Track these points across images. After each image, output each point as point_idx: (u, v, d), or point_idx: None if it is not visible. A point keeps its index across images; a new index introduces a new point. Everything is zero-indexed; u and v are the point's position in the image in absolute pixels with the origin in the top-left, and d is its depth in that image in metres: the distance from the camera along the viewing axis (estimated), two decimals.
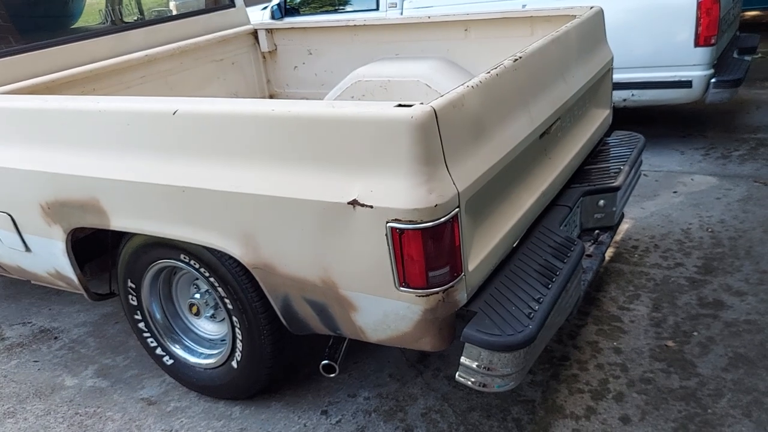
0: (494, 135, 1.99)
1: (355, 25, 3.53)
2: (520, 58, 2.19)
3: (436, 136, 1.71)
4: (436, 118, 1.69)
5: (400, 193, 1.70)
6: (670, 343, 2.55)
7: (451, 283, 1.81)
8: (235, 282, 2.17)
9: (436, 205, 1.69)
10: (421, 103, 1.70)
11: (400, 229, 1.72)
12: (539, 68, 2.32)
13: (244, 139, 1.89)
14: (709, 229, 3.41)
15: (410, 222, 1.70)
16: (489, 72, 2.02)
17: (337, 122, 1.76)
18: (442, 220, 1.71)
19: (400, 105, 1.70)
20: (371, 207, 1.73)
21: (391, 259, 1.78)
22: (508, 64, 2.12)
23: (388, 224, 1.72)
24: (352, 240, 1.81)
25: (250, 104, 1.91)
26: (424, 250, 1.73)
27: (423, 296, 1.80)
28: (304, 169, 1.83)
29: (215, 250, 2.11)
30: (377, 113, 1.70)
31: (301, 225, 1.87)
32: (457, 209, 1.75)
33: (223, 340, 2.50)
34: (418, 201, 1.68)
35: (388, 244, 1.75)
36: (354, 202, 1.75)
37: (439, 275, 1.79)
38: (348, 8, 5.30)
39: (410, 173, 1.70)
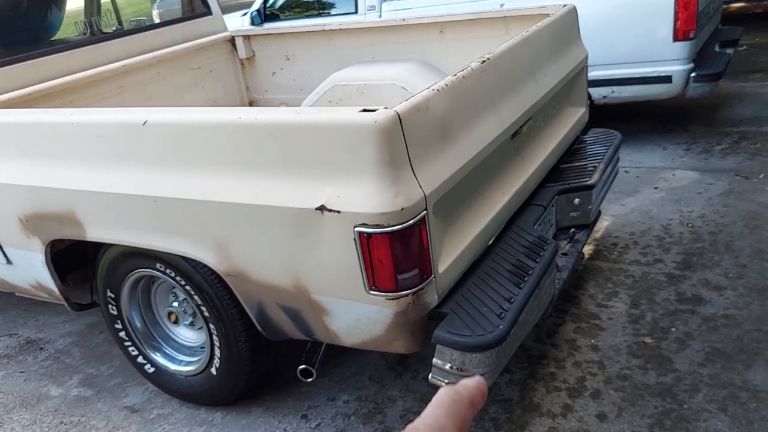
0: (462, 137, 2.01)
1: (331, 30, 3.54)
2: (488, 59, 2.20)
3: (401, 140, 1.72)
4: (401, 122, 1.70)
5: (367, 197, 1.71)
6: (647, 340, 2.56)
7: (420, 286, 1.82)
8: (211, 290, 2.18)
9: (403, 209, 1.70)
10: (386, 108, 1.72)
11: (367, 233, 1.73)
12: (509, 69, 2.34)
13: (213, 147, 1.91)
14: (690, 225, 3.42)
15: (377, 226, 1.71)
16: (455, 75, 2.03)
17: (303, 129, 1.77)
18: (410, 223, 1.73)
19: (364, 110, 1.72)
20: (339, 212, 1.74)
21: (360, 263, 1.79)
22: (475, 66, 2.13)
23: (356, 228, 1.73)
24: (322, 245, 1.82)
25: (218, 113, 1.92)
26: (393, 254, 1.75)
27: (393, 299, 1.81)
28: (273, 176, 1.84)
29: (189, 258, 2.12)
30: (342, 119, 1.72)
31: (272, 232, 1.88)
32: (424, 212, 1.76)
33: (203, 347, 2.51)
34: (385, 205, 1.70)
35: (357, 249, 1.76)
36: (322, 208, 1.77)
37: (409, 278, 1.80)
38: (328, 12, 5.31)
39: (376, 178, 1.71)
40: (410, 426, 0.45)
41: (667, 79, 4.31)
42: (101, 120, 2.11)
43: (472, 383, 0.49)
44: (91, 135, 2.13)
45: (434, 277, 1.86)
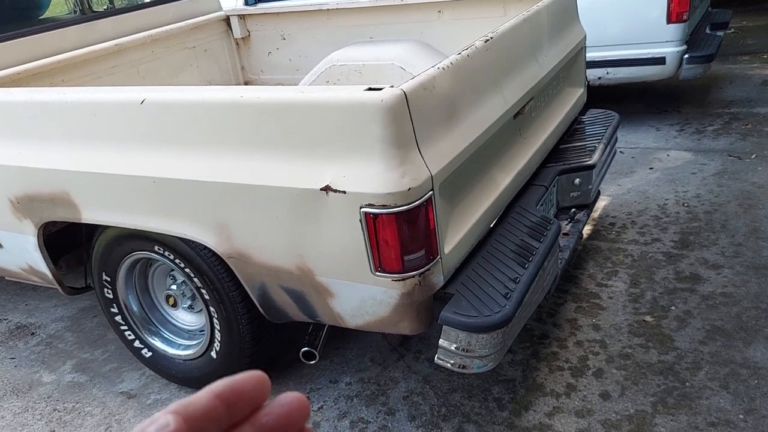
0: (467, 116, 1.98)
1: (328, 9, 3.48)
2: (492, 38, 2.17)
3: (407, 119, 1.69)
4: (407, 101, 1.68)
5: (373, 177, 1.69)
6: (648, 318, 2.57)
7: (427, 267, 1.81)
8: (211, 272, 2.15)
9: (410, 189, 1.68)
10: (391, 87, 1.69)
11: (374, 213, 1.71)
12: (511, 48, 2.31)
13: (214, 127, 1.87)
14: (685, 204, 3.44)
15: (384, 206, 1.69)
16: (460, 53, 2.00)
17: (308, 108, 1.73)
18: (416, 203, 1.71)
19: (370, 89, 1.68)
20: (344, 192, 1.72)
21: (366, 244, 1.77)
22: (479, 45, 2.10)
23: (362, 209, 1.71)
24: (327, 226, 1.79)
25: (219, 92, 1.88)
26: (399, 235, 1.73)
27: (399, 280, 1.79)
28: (276, 156, 1.80)
29: (189, 240, 2.09)
30: (347, 98, 1.69)
31: (275, 212, 1.85)
32: (430, 192, 1.74)
33: (202, 330, 2.48)
34: (391, 185, 1.67)
35: (363, 229, 1.74)
36: (327, 188, 1.74)
37: (415, 259, 1.78)
38: None
39: (382, 157, 1.68)
40: None
41: (661, 60, 4.32)
42: (97, 99, 2.06)
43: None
44: (87, 114, 2.08)
45: (440, 257, 1.84)
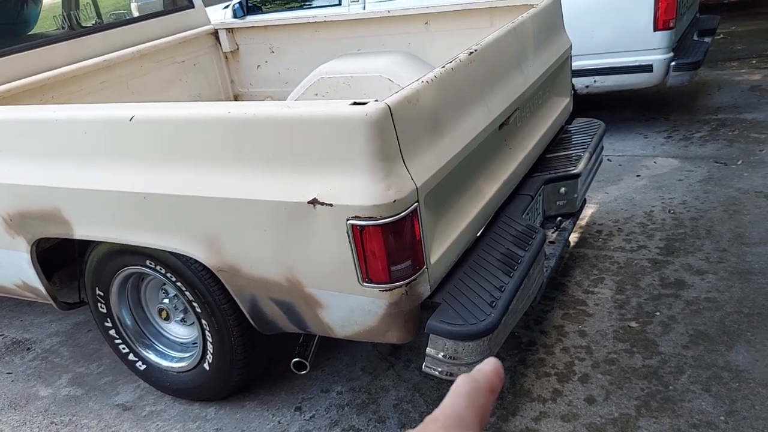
0: (451, 128, 2.02)
1: (315, 22, 3.53)
2: (476, 51, 2.22)
3: (392, 133, 1.73)
4: (391, 114, 1.71)
5: (359, 190, 1.73)
6: (633, 324, 2.61)
7: (413, 277, 1.84)
8: (202, 285, 2.18)
9: (395, 201, 1.72)
10: (376, 100, 1.72)
11: (360, 225, 1.74)
12: (495, 60, 2.36)
13: (202, 142, 1.90)
14: (671, 211, 3.48)
15: (370, 218, 1.72)
16: (444, 66, 2.05)
17: (294, 122, 1.77)
18: (402, 215, 1.74)
19: (355, 103, 1.72)
20: (331, 205, 1.75)
21: (353, 256, 1.80)
22: (463, 58, 2.14)
23: (349, 221, 1.74)
24: (315, 238, 1.83)
25: (206, 107, 1.91)
26: (385, 246, 1.76)
27: (386, 291, 1.82)
28: (264, 170, 1.84)
29: (180, 254, 2.12)
30: (332, 112, 1.72)
31: (264, 226, 1.88)
32: (416, 204, 1.78)
33: (195, 343, 2.50)
34: (377, 197, 1.71)
35: (350, 241, 1.78)
36: (314, 201, 1.77)
37: (402, 269, 1.82)
38: (310, 4, 5.28)
39: (368, 170, 1.72)
40: (429, 417, 0.44)
41: (648, 68, 4.37)
42: (86, 116, 2.09)
43: (488, 368, 0.48)
44: (77, 132, 2.11)
45: (426, 267, 1.88)
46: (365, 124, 1.68)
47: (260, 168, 1.84)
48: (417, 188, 1.77)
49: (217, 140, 1.88)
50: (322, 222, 1.79)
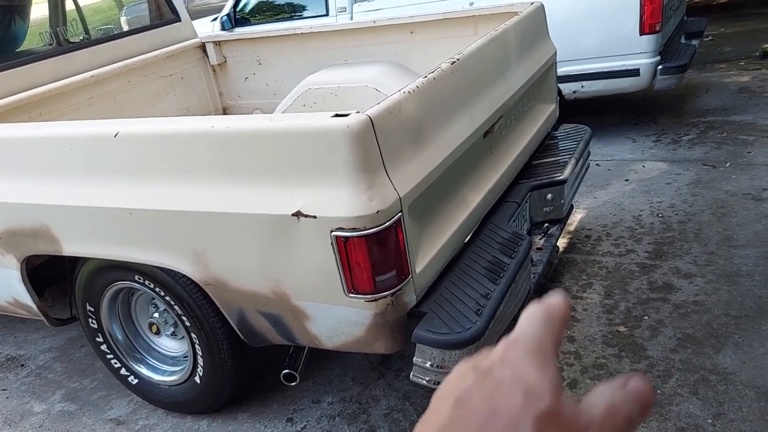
0: (434, 138, 2.04)
1: (302, 33, 3.55)
2: (458, 60, 2.24)
3: (374, 144, 1.74)
4: (373, 125, 1.73)
5: (342, 201, 1.74)
6: (621, 329, 2.62)
7: (399, 287, 1.85)
8: (191, 299, 2.18)
9: (378, 212, 1.73)
10: (358, 112, 1.74)
11: (344, 237, 1.75)
12: (478, 69, 2.37)
13: (187, 157, 1.91)
14: (660, 215, 3.50)
15: (354, 229, 1.74)
16: (426, 76, 2.06)
17: (277, 136, 1.79)
18: (386, 225, 1.75)
19: (336, 115, 1.74)
20: (315, 217, 1.77)
21: (338, 267, 1.81)
22: (445, 67, 2.16)
23: (333, 233, 1.75)
24: (300, 250, 1.84)
25: (190, 122, 1.93)
26: (370, 256, 1.77)
27: (372, 301, 1.83)
28: (248, 184, 1.85)
29: (167, 269, 2.13)
30: (314, 125, 1.74)
31: (249, 239, 1.89)
32: (399, 214, 1.79)
33: (185, 356, 2.51)
34: (360, 208, 1.72)
35: (335, 253, 1.79)
36: (298, 214, 1.79)
37: (387, 279, 1.83)
38: (299, 15, 5.31)
39: (351, 182, 1.73)
40: (509, 338, 0.43)
41: (634, 72, 4.40)
42: (72, 133, 2.10)
43: (558, 298, 0.45)
44: (62, 149, 2.12)
45: (412, 277, 1.89)
46: (347, 136, 1.69)
47: (244, 181, 1.86)
48: (400, 198, 1.79)
49: (200, 155, 1.89)
50: (306, 234, 1.80)
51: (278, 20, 5.29)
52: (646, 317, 2.67)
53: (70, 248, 2.26)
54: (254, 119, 1.86)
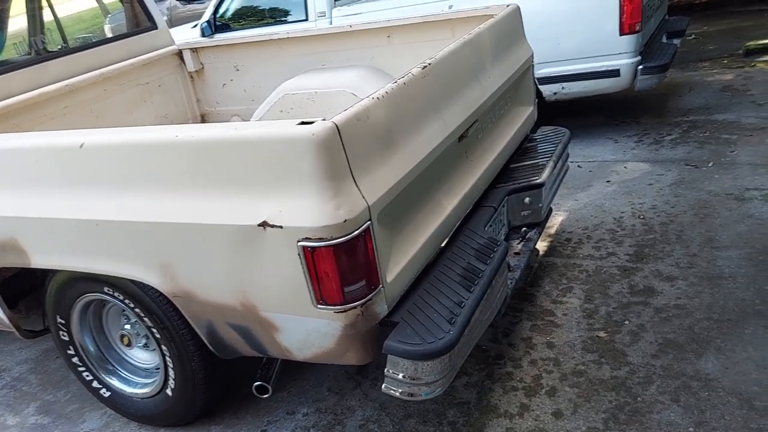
0: (405, 144, 2.00)
1: (279, 39, 3.52)
2: (429, 64, 2.21)
3: (341, 151, 1.71)
4: (339, 133, 1.70)
5: (309, 211, 1.70)
6: (601, 334, 2.59)
7: (369, 297, 1.82)
8: (160, 311, 2.14)
9: (345, 221, 1.69)
10: (323, 120, 1.71)
11: (311, 247, 1.72)
12: (451, 72, 2.34)
13: (153, 167, 1.88)
14: (641, 216, 3.48)
15: (321, 239, 1.70)
16: (396, 81, 2.03)
17: (242, 145, 1.75)
18: (354, 234, 1.72)
19: (302, 122, 1.71)
20: (281, 227, 1.73)
21: (306, 278, 1.77)
22: (416, 72, 2.13)
23: (300, 243, 1.72)
24: (267, 261, 1.80)
25: (155, 132, 1.89)
26: (338, 267, 1.74)
27: (341, 312, 1.80)
28: (214, 194, 1.81)
29: (137, 281, 2.09)
30: (279, 133, 1.71)
31: (216, 250, 1.86)
32: (368, 222, 1.76)
33: (158, 368, 2.46)
34: (327, 218, 1.69)
35: (302, 263, 1.75)
36: (264, 224, 1.75)
37: (356, 290, 1.79)
38: (279, 20, 5.27)
39: (317, 191, 1.70)
40: None
41: (615, 73, 4.39)
42: (37, 144, 2.07)
43: None
44: (28, 160, 2.09)
45: (382, 287, 1.85)
46: (312, 144, 1.66)
47: (210, 191, 1.82)
48: (369, 206, 1.75)
49: (166, 165, 1.85)
50: (273, 245, 1.76)
51: (259, 26, 5.25)
52: (626, 322, 2.64)
53: (38, 261, 2.22)
54: (219, 128, 1.81)
